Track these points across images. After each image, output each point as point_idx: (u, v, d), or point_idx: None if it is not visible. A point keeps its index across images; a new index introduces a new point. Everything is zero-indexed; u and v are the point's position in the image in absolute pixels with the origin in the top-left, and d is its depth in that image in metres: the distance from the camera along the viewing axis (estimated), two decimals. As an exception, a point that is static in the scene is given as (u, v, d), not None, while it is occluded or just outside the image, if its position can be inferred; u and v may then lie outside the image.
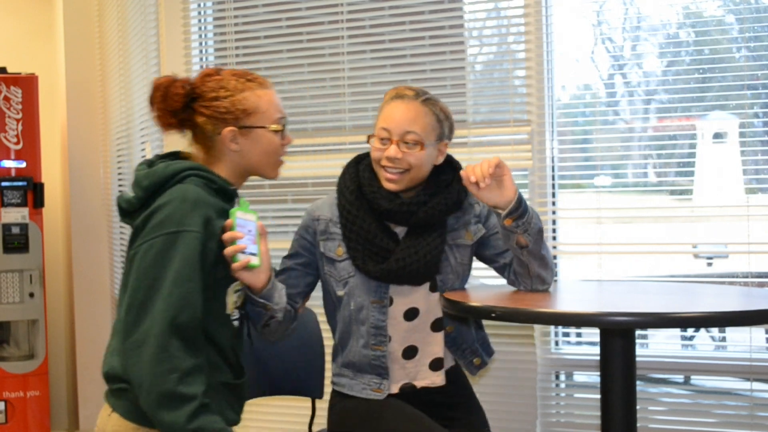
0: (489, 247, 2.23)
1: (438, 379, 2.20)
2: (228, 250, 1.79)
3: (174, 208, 1.75)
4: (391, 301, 2.15)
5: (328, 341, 2.38)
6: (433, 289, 2.17)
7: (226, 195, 1.89)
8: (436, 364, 2.20)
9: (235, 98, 1.88)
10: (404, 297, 2.15)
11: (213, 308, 1.82)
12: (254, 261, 1.82)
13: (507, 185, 1.99)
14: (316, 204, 2.24)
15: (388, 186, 2.10)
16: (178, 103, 1.88)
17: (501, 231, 2.06)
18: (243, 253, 1.79)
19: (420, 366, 2.19)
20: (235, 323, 1.90)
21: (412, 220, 2.11)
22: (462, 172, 2.00)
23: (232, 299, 1.87)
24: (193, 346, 1.72)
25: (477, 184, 1.96)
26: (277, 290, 1.95)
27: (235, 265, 1.80)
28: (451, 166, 2.22)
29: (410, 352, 2.18)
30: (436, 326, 2.20)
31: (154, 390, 1.68)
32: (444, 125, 2.14)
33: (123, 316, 1.75)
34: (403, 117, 2.08)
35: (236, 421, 1.94)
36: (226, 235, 1.79)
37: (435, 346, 2.20)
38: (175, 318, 1.70)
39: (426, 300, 2.17)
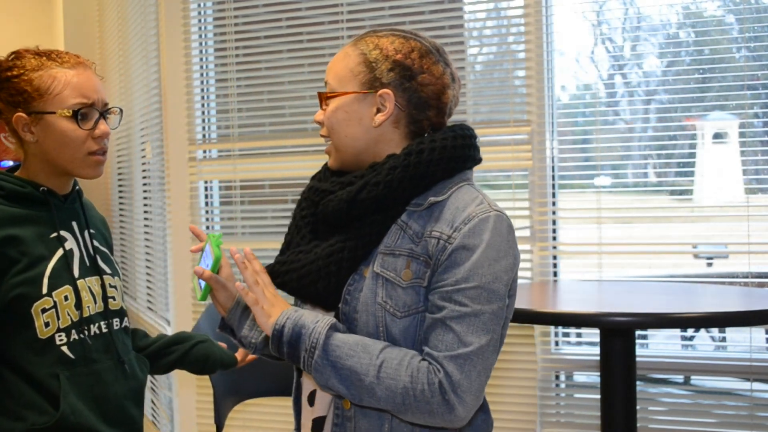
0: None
1: (312, 411, 1.57)
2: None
3: None
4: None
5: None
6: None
7: (29, 199, 1.62)
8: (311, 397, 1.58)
9: (26, 78, 1.59)
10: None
11: (19, 334, 1.55)
12: (198, 294, 1.58)
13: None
14: None
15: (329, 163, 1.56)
16: None
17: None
18: (199, 280, 1.57)
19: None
20: (65, 348, 1.58)
21: (317, 211, 1.51)
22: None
23: (41, 321, 1.56)
24: None
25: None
26: (244, 323, 1.62)
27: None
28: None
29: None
30: None
31: None
32: (378, 67, 1.44)
33: None
34: (327, 68, 1.52)
35: None
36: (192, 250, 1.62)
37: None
38: None
39: None
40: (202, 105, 3.71)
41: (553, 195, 3.08)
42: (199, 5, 3.71)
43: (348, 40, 3.31)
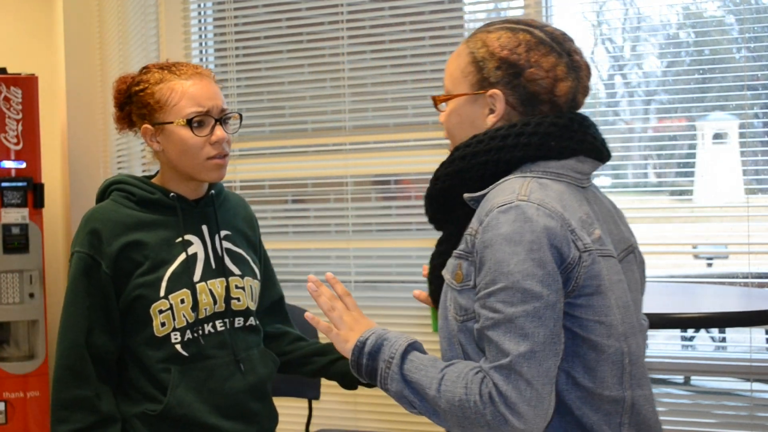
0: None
1: None
2: None
3: (76, 231, 1.71)
4: None
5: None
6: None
7: (158, 205, 1.73)
8: None
9: (149, 91, 1.73)
10: None
11: (140, 330, 1.69)
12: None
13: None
14: None
15: None
16: (118, 100, 1.79)
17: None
18: None
19: None
20: (178, 346, 1.69)
21: None
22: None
23: (158, 320, 1.67)
24: (77, 376, 1.66)
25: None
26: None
27: None
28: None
29: None
30: None
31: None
32: (486, 66, 1.37)
33: None
34: (445, 69, 1.48)
35: None
36: None
37: None
38: (60, 344, 1.69)
39: None
40: (202, 105, 3.71)
41: (553, 195, 3.07)
42: (199, 5, 3.71)
43: (348, 40, 3.32)
